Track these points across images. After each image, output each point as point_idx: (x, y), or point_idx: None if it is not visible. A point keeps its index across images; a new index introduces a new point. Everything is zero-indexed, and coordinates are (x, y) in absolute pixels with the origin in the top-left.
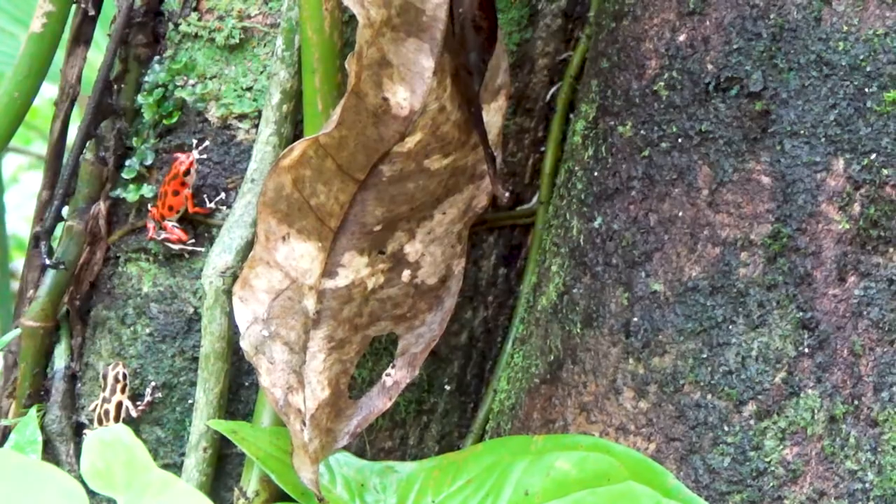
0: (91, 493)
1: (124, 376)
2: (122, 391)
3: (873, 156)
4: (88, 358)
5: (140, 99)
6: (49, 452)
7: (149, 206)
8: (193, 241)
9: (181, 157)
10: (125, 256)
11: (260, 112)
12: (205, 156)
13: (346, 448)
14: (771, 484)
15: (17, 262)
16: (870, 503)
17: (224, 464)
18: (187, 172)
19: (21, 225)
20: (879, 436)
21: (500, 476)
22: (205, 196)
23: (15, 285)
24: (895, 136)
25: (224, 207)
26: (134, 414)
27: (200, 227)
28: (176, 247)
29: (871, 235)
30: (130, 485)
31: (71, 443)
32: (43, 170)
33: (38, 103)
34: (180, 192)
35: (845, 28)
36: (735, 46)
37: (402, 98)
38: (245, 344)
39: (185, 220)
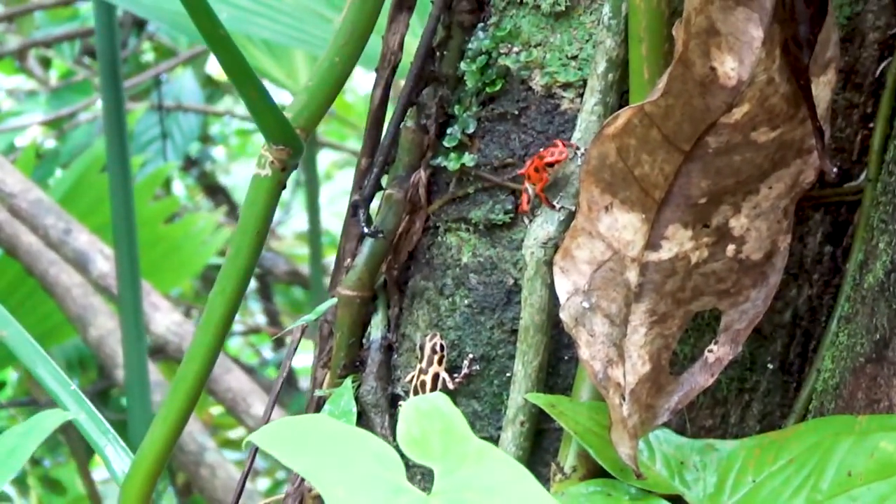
0: (406, 462)
1: (441, 347)
2: (440, 363)
3: None
4: (405, 328)
5: (463, 66)
6: (363, 423)
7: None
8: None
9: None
10: (445, 226)
11: (584, 81)
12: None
13: (665, 425)
14: None
15: (329, 258)
16: None
17: (541, 438)
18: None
19: (333, 221)
20: None
21: (823, 456)
22: None
23: (327, 282)
24: None
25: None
26: (451, 386)
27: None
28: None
29: None
30: (447, 454)
31: (386, 414)
32: (362, 137)
33: (353, 100)
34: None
35: None
36: None
37: (729, 68)
38: (565, 315)
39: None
